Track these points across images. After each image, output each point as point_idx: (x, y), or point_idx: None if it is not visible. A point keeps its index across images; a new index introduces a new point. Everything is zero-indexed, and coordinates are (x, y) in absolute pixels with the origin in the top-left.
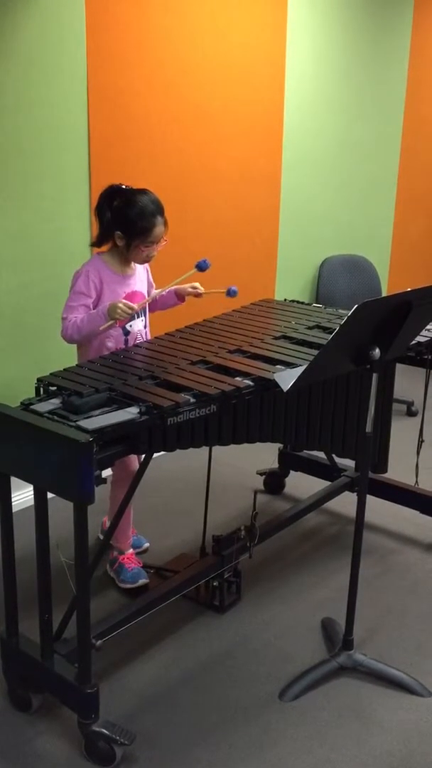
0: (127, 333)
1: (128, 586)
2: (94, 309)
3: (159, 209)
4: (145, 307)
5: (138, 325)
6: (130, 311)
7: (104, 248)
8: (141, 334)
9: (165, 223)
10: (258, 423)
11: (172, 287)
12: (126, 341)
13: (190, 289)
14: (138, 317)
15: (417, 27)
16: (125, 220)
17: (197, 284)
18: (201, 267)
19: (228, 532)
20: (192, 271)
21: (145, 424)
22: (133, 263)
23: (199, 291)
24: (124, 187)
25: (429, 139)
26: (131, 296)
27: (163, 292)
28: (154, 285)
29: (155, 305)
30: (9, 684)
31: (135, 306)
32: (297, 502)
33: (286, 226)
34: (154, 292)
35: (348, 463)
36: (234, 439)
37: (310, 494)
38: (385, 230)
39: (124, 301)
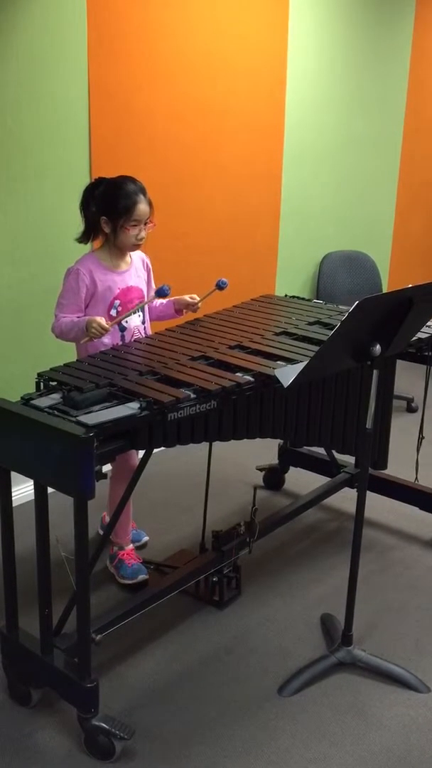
0: (123, 329)
1: (128, 582)
2: (86, 304)
3: (141, 189)
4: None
5: (135, 321)
6: (103, 331)
7: (97, 245)
8: (139, 330)
9: (150, 204)
10: (258, 419)
11: (172, 298)
12: (122, 337)
13: (188, 299)
14: (134, 313)
15: (419, 23)
16: (108, 202)
17: (195, 295)
18: (220, 285)
19: (227, 527)
20: (213, 289)
21: (145, 420)
22: (128, 257)
23: (196, 302)
24: (106, 178)
25: (430, 135)
26: (126, 291)
27: (163, 302)
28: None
29: (150, 314)
30: (9, 678)
31: (108, 326)
32: (297, 498)
33: (286, 222)
34: (151, 295)
35: (348, 459)
36: (234, 435)
37: (310, 490)
38: (386, 226)
39: (99, 320)
